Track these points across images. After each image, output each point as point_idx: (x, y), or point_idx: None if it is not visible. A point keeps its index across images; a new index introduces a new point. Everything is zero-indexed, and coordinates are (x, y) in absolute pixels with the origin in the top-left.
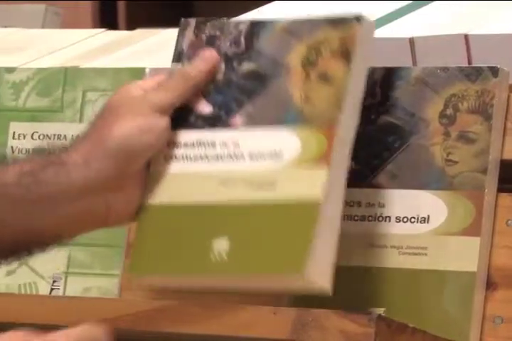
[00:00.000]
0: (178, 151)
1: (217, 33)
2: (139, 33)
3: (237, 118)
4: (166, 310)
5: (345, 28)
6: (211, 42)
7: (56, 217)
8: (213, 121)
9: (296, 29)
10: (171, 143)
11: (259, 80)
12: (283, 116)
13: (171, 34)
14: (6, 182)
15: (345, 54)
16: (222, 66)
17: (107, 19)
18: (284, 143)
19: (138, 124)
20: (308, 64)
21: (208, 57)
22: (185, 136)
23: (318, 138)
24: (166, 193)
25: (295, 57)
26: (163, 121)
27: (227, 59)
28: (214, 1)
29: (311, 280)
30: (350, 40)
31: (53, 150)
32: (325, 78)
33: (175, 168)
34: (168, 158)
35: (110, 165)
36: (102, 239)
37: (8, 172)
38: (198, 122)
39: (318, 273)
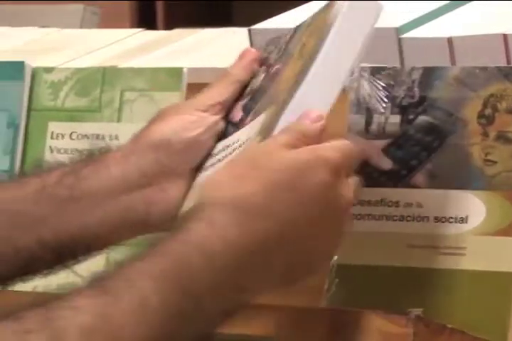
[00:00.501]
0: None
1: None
2: (177, 32)
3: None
4: None
5: None
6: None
7: (98, 215)
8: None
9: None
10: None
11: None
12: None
13: (208, 34)
14: (48, 183)
15: None
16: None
17: (145, 19)
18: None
19: (181, 121)
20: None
21: (246, 53)
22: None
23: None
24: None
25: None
26: (209, 119)
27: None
28: (252, 1)
29: None
30: None
31: (96, 151)
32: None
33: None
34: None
35: (149, 159)
36: (140, 240)
37: (51, 174)
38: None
39: None
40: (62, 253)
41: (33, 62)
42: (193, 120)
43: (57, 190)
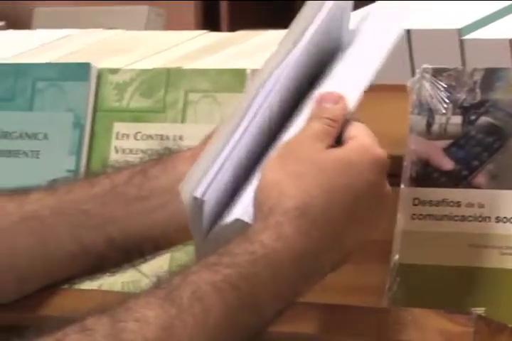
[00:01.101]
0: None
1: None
2: (240, 34)
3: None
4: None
5: None
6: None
7: (166, 214)
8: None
9: None
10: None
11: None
12: None
13: (271, 36)
14: (117, 183)
15: None
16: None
17: (209, 20)
18: None
19: None
20: None
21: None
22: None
23: None
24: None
25: None
26: None
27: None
28: None
29: None
30: None
31: (163, 151)
32: None
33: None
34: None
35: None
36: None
37: (120, 174)
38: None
39: None
40: (130, 252)
41: (98, 63)
42: None
43: (126, 190)
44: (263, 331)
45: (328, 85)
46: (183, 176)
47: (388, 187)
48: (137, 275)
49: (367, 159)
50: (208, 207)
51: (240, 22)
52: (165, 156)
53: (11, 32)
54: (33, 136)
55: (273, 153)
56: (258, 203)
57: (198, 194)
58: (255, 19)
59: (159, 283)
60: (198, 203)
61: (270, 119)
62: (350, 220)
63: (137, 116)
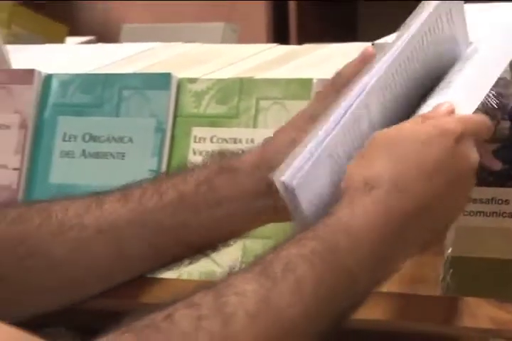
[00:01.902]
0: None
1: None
2: (307, 47)
3: None
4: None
5: None
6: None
7: (233, 217)
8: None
9: None
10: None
11: None
12: None
13: (336, 48)
14: (185, 192)
15: None
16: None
17: (279, 35)
18: None
19: (290, 136)
20: None
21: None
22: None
23: None
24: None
25: None
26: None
27: None
28: (376, 19)
29: None
30: None
31: (227, 155)
32: None
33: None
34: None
35: (267, 176)
36: (273, 233)
37: (187, 182)
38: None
39: None
40: (203, 249)
41: (178, 73)
42: (299, 134)
43: (194, 201)
44: (363, 302)
45: (445, 95)
46: (243, 187)
47: (469, 154)
48: (213, 265)
49: (433, 131)
50: (302, 192)
51: (307, 36)
52: (226, 163)
53: (100, 45)
54: (119, 140)
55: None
56: (347, 177)
57: (285, 179)
58: (321, 33)
59: (255, 261)
60: (286, 187)
61: (370, 118)
62: (430, 190)
63: (213, 121)
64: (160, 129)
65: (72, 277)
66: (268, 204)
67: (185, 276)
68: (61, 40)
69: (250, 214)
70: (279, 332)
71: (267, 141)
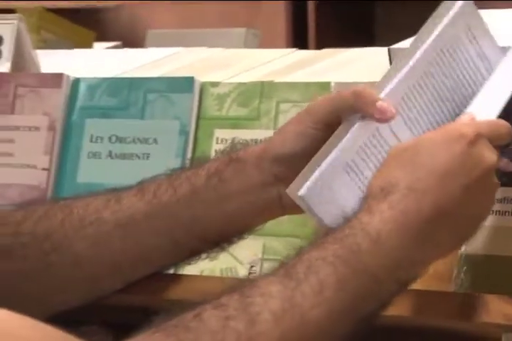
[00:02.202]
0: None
1: None
2: (326, 52)
3: None
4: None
5: None
6: None
7: (242, 209)
8: None
9: None
10: None
11: None
12: None
13: (353, 53)
14: (197, 185)
15: None
16: None
17: (298, 40)
18: None
19: (296, 135)
20: None
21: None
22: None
23: None
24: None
25: None
26: (316, 132)
27: None
28: (393, 24)
29: None
30: None
31: (235, 148)
32: None
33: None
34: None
35: (273, 166)
36: (292, 231)
37: (199, 175)
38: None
39: None
40: (219, 242)
41: (201, 77)
42: (302, 131)
43: (205, 194)
44: (389, 303)
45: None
46: (250, 178)
47: (486, 155)
48: (234, 262)
49: (448, 136)
50: (316, 203)
51: (325, 41)
52: (234, 155)
53: (126, 50)
54: (144, 141)
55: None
56: (370, 184)
57: (295, 191)
58: (339, 38)
59: (279, 265)
60: (299, 200)
61: (393, 131)
62: (452, 191)
63: (235, 123)
64: (183, 131)
65: (94, 271)
66: (274, 195)
67: (206, 273)
68: (89, 46)
69: (259, 206)
70: (303, 331)
71: (274, 135)
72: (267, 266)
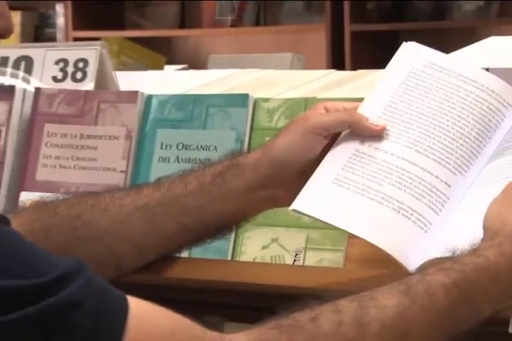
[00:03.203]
0: None
1: None
2: (360, 72)
3: None
4: (382, 276)
5: None
6: None
7: (240, 203)
8: None
9: None
10: None
11: None
12: None
13: (382, 73)
14: (204, 182)
15: None
16: None
17: (337, 62)
18: None
19: (290, 141)
20: None
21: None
22: None
23: None
24: None
25: None
26: (313, 141)
27: None
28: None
29: None
30: None
31: (237, 153)
32: None
33: None
34: None
35: (270, 170)
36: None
37: (206, 174)
38: None
39: None
40: (220, 229)
41: (254, 94)
42: (300, 140)
43: (210, 190)
44: (478, 324)
45: None
46: (247, 179)
47: None
48: (282, 250)
49: None
50: (313, 211)
51: (359, 63)
52: (236, 159)
53: (191, 71)
54: (205, 148)
55: (497, 194)
56: (485, 227)
57: (294, 206)
58: (371, 61)
59: (401, 281)
60: (298, 212)
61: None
62: None
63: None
64: (239, 140)
65: (115, 246)
66: (268, 193)
67: (258, 259)
68: (160, 68)
69: (254, 202)
70: None
71: (269, 141)
72: (310, 254)
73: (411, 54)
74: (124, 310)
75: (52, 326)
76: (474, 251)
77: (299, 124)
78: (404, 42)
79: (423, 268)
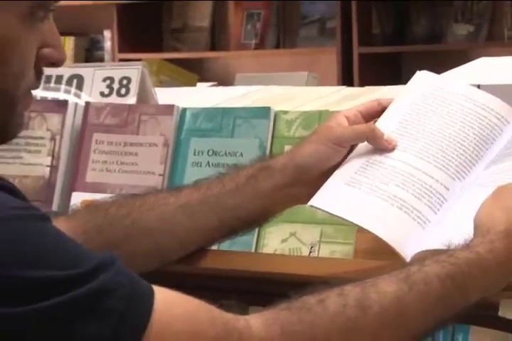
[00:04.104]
0: None
1: None
2: (368, 89)
3: None
4: (385, 267)
5: None
6: None
7: (270, 200)
8: None
9: None
10: None
11: None
12: None
13: (386, 90)
14: (239, 183)
15: None
16: None
17: (346, 79)
18: None
19: (315, 150)
20: None
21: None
22: None
23: None
24: None
25: None
26: (333, 151)
27: None
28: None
29: None
30: None
31: (266, 158)
32: None
33: None
34: None
35: (295, 173)
36: (342, 221)
37: (240, 176)
38: None
39: None
40: (251, 224)
41: (275, 107)
42: (322, 150)
43: (245, 190)
44: (466, 310)
45: None
46: (276, 180)
47: None
48: (299, 243)
49: None
50: (329, 207)
51: (366, 81)
52: (266, 162)
53: (220, 88)
54: (233, 154)
55: (488, 195)
56: (477, 225)
57: (311, 203)
58: (377, 79)
59: (401, 270)
60: (317, 208)
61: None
62: None
63: (300, 141)
64: (262, 147)
65: (160, 242)
66: (293, 192)
67: (278, 251)
68: (193, 85)
69: (281, 199)
70: (398, 325)
71: (296, 147)
72: (323, 246)
73: (421, 80)
74: (150, 296)
75: (89, 310)
76: (467, 246)
77: (322, 134)
78: (418, 71)
79: (421, 260)
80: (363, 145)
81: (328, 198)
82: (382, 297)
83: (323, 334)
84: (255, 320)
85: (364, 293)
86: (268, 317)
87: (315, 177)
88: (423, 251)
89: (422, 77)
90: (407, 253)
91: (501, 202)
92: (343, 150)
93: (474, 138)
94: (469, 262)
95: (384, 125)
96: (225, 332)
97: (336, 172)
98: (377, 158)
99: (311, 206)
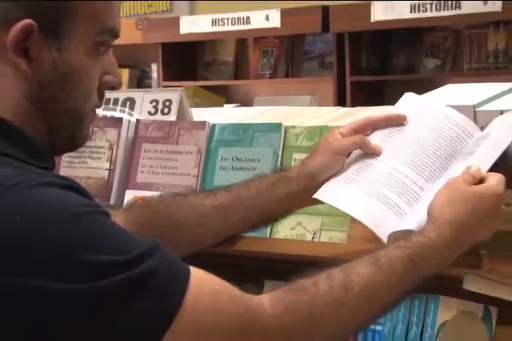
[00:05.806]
0: None
1: None
2: (359, 109)
3: None
4: (371, 249)
5: None
6: None
7: (286, 203)
8: None
9: None
10: None
11: None
12: None
13: (374, 109)
14: (261, 189)
15: None
16: None
17: (341, 100)
18: None
19: (320, 161)
20: None
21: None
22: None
23: None
24: None
25: None
26: (335, 160)
27: None
28: (402, 88)
29: None
30: None
31: (283, 169)
32: None
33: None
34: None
35: (307, 180)
36: (341, 212)
37: (262, 183)
38: None
39: None
40: (269, 220)
41: (285, 123)
42: (326, 161)
43: (266, 194)
44: (424, 283)
45: (473, 159)
46: (291, 187)
47: (501, 209)
48: (304, 230)
49: (488, 193)
50: (329, 198)
51: (357, 102)
52: (283, 172)
53: (242, 108)
54: (252, 160)
55: (441, 188)
56: (428, 214)
57: (314, 195)
58: (366, 101)
59: (372, 255)
60: (319, 200)
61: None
62: (478, 225)
63: (305, 150)
64: (275, 154)
65: (198, 233)
66: (304, 197)
67: (288, 237)
68: (221, 106)
69: (296, 202)
70: (372, 301)
71: (305, 160)
72: (323, 233)
73: (407, 101)
74: (187, 276)
75: (139, 288)
76: (421, 232)
77: (326, 148)
78: (406, 93)
79: (386, 246)
80: (356, 153)
81: (328, 192)
82: (360, 279)
83: (317, 311)
84: (265, 300)
85: (346, 276)
86: (274, 297)
87: (321, 184)
88: (395, 232)
89: (407, 98)
90: (385, 234)
91: (447, 194)
92: (342, 158)
93: (445, 149)
94: (423, 245)
95: (373, 136)
96: (244, 310)
97: (337, 173)
98: (369, 161)
99: (315, 198)
